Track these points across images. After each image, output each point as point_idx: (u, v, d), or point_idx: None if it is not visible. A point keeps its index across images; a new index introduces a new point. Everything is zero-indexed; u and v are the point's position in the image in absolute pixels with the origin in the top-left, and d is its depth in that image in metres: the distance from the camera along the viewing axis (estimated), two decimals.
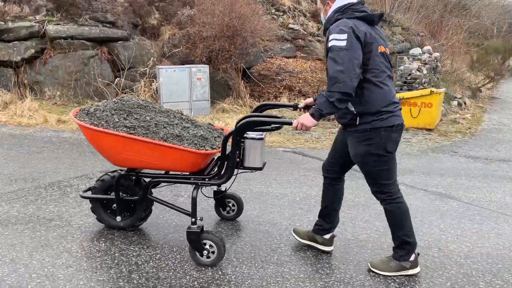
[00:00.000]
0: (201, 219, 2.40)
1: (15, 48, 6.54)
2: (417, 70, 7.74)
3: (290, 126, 2.22)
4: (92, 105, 2.75)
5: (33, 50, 6.59)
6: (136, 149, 2.40)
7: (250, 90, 7.61)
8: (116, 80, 6.82)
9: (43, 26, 6.73)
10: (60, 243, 2.53)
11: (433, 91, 6.06)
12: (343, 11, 2.21)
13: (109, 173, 2.69)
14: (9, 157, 4.16)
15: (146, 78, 6.77)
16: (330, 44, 2.13)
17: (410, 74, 7.60)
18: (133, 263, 2.34)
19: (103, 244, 2.55)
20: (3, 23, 6.62)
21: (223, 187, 2.83)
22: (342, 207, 2.56)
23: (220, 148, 2.38)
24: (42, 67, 6.61)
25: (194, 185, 2.40)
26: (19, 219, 2.84)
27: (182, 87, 6.63)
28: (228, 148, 2.33)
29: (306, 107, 2.65)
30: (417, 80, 7.58)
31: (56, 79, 6.61)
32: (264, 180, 3.82)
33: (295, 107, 2.73)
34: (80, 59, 6.67)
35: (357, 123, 2.21)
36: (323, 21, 2.38)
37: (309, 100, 2.70)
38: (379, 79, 2.19)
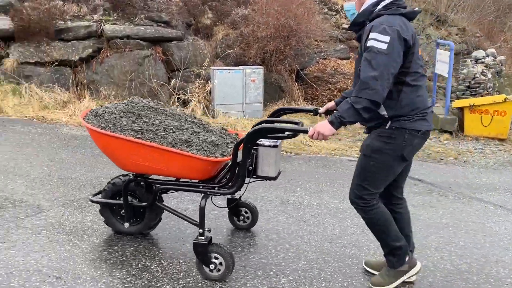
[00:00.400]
0: (209, 230, 2.29)
1: (73, 48, 6.60)
2: (482, 74, 7.28)
3: (306, 134, 2.07)
4: (101, 106, 2.64)
5: (90, 50, 6.64)
6: (143, 154, 2.31)
7: (304, 92, 7.39)
8: (171, 81, 6.78)
9: (100, 26, 6.76)
10: (138, 260, 2.42)
11: (507, 99, 5.63)
12: (386, 6, 2.00)
13: (121, 177, 2.59)
14: (75, 160, 4.14)
15: (201, 80, 6.68)
16: (368, 43, 1.93)
17: (474, 78, 7.15)
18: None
19: (184, 264, 2.42)
20: (62, 22, 6.69)
21: (237, 195, 2.63)
22: (429, 229, 2.31)
23: (231, 156, 2.26)
24: (99, 67, 6.65)
25: (202, 194, 2.31)
26: (94, 230, 2.76)
27: (236, 89, 6.50)
28: (240, 155, 2.20)
29: (328, 113, 2.47)
30: (482, 85, 7.12)
31: (112, 79, 6.64)
32: (336, 193, 3.60)
33: (315, 113, 2.55)
34: (135, 59, 6.66)
35: (386, 127, 2.04)
36: (353, 13, 2.16)
37: (331, 104, 2.50)
38: (418, 82, 2.03)
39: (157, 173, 2.40)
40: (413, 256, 2.26)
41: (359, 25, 2.09)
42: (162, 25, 7.10)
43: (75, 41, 6.64)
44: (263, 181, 2.36)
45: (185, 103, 6.60)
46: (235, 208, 2.83)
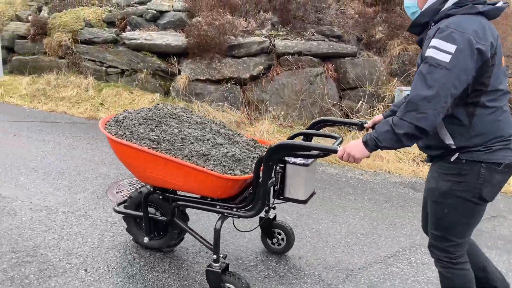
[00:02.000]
0: (225, 257, 2.15)
1: (244, 65, 6.34)
2: None
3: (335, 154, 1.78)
4: (124, 111, 2.50)
5: (261, 67, 6.31)
6: (158, 166, 2.18)
7: None
8: (343, 101, 6.15)
9: (271, 41, 6.41)
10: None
11: None
12: (459, 2, 1.57)
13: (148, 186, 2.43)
14: None
15: (380, 100, 5.93)
16: (427, 52, 1.53)
17: None
18: None
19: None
20: (233, 38, 6.48)
21: (271, 214, 2.46)
22: None
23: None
24: (268, 85, 6.29)
25: (220, 214, 2.15)
26: None
27: None
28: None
29: (374, 127, 2.01)
30: None
31: (282, 98, 6.22)
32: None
33: (361, 126, 2.20)
34: (307, 76, 6.17)
35: (452, 159, 1.63)
36: (414, 12, 1.71)
37: (378, 117, 2.14)
38: (499, 103, 1.59)
39: (175, 187, 2.28)
40: None
41: (422, 26, 1.69)
42: (334, 39, 6.52)
43: (246, 58, 6.38)
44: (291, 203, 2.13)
45: None
46: (267, 228, 2.59)
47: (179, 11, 7.40)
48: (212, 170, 2.07)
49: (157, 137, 2.21)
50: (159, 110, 2.43)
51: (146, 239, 2.49)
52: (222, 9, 6.72)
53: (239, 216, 2.10)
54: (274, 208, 2.40)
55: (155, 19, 7.46)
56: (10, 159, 4.25)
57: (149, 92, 6.81)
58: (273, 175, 2.05)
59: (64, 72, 7.38)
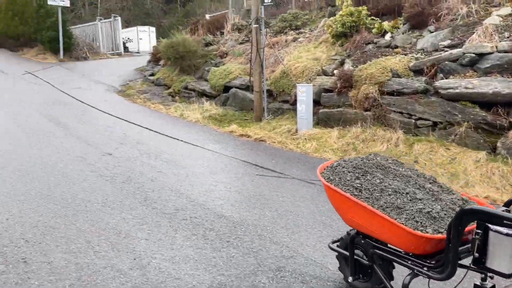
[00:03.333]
0: None
1: None
2: None
3: None
4: (340, 159, 2.78)
5: None
6: (356, 211, 2.40)
7: None
8: None
9: None
10: None
11: None
12: None
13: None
14: None
15: None
16: None
17: None
18: None
19: None
20: None
21: (488, 283, 2.04)
22: None
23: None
24: None
25: (410, 270, 2.20)
26: None
27: None
28: None
29: None
30: None
31: None
32: None
33: None
34: None
35: None
36: None
37: None
38: None
39: (371, 234, 2.41)
40: None
41: None
42: None
43: None
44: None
45: None
46: None
47: (506, 51, 6.27)
48: (402, 223, 2.15)
49: (359, 185, 2.45)
50: (369, 160, 2.66)
51: (350, 279, 2.69)
52: None
53: (428, 277, 2.09)
54: (492, 277, 2.09)
55: (472, 63, 6.56)
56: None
57: (470, 149, 5.91)
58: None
59: (370, 125, 7.34)
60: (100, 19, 25.44)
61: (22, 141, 6.97)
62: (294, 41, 11.46)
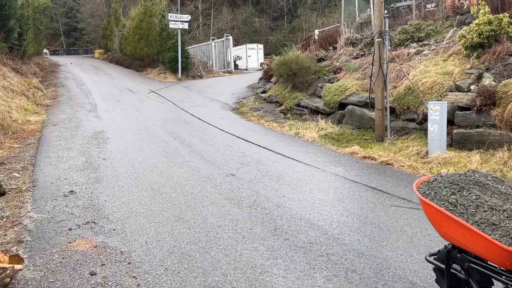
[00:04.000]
0: None
1: None
2: None
3: None
4: (437, 174, 2.85)
5: None
6: (451, 225, 2.48)
7: None
8: None
9: None
10: None
11: None
12: None
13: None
14: None
15: None
16: None
17: None
18: None
19: None
20: None
21: None
22: None
23: None
24: None
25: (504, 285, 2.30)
26: None
27: None
28: None
29: None
30: None
31: None
32: None
33: None
34: None
35: None
36: None
37: None
38: None
39: (466, 248, 2.47)
40: None
41: None
42: None
43: None
44: None
45: None
46: None
47: None
48: (496, 239, 2.21)
49: (455, 201, 2.53)
50: (466, 177, 2.70)
51: None
52: None
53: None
54: None
55: None
56: None
57: None
58: None
59: None
60: (213, 39, 26.83)
61: (152, 158, 7.34)
62: (418, 54, 10.58)
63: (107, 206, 5.04)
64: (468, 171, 2.79)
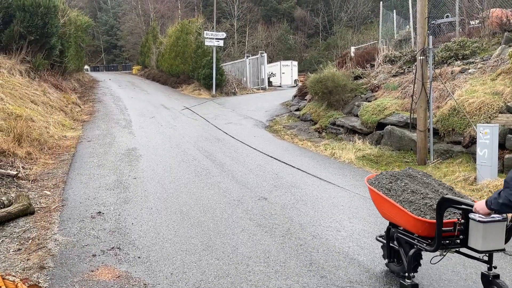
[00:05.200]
0: (412, 277, 3.15)
1: None
2: None
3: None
4: (386, 171, 3.83)
5: None
6: (385, 205, 3.42)
7: None
8: None
9: None
10: None
11: None
12: None
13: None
14: None
15: None
16: None
17: None
18: None
19: None
20: None
21: (493, 272, 2.98)
22: None
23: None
24: None
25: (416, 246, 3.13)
26: None
27: None
28: None
29: None
30: None
31: None
32: None
33: None
34: None
35: None
36: None
37: None
38: None
39: (396, 223, 3.38)
40: None
41: None
42: None
43: None
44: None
45: None
46: (486, 284, 3.04)
47: None
48: (411, 212, 3.09)
49: (390, 187, 3.48)
50: (401, 171, 3.70)
51: (386, 261, 3.74)
52: None
53: (426, 250, 3.04)
54: (495, 267, 3.02)
55: None
56: None
57: None
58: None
59: None
60: (248, 56, 26.90)
61: (183, 178, 7.14)
62: (463, 72, 10.00)
63: (133, 230, 4.83)
64: (406, 168, 3.73)
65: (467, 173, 7.15)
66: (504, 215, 2.72)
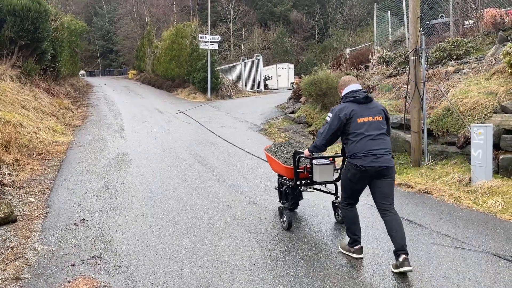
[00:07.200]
0: (283, 203, 5.22)
1: None
2: None
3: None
4: (276, 142, 6.17)
5: None
6: (273, 163, 5.28)
7: None
8: None
9: None
10: None
11: None
12: (343, 97, 4.04)
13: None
14: None
15: None
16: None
17: None
18: None
19: None
20: None
21: (337, 200, 5.14)
22: None
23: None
24: None
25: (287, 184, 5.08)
26: None
27: None
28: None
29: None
30: None
31: None
32: None
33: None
34: None
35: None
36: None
37: None
38: (356, 138, 3.80)
39: (280, 173, 5.29)
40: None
41: None
42: None
43: None
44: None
45: None
46: (334, 208, 5.25)
47: None
48: (281, 163, 5.03)
49: (276, 150, 5.42)
50: (286, 142, 5.75)
51: (279, 202, 5.42)
52: None
53: (289, 185, 4.98)
54: (339, 197, 4.96)
55: None
56: None
57: None
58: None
59: None
60: (243, 59, 26.77)
61: (172, 183, 7.00)
62: (457, 72, 9.89)
63: (117, 238, 4.68)
64: (289, 140, 5.51)
65: (462, 174, 7.01)
66: (332, 160, 4.80)
